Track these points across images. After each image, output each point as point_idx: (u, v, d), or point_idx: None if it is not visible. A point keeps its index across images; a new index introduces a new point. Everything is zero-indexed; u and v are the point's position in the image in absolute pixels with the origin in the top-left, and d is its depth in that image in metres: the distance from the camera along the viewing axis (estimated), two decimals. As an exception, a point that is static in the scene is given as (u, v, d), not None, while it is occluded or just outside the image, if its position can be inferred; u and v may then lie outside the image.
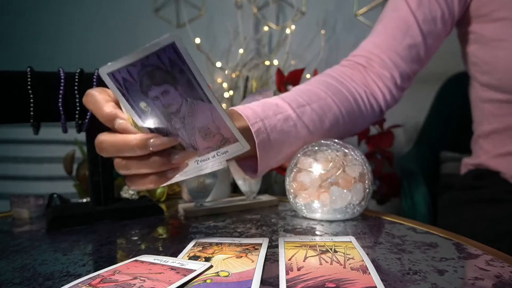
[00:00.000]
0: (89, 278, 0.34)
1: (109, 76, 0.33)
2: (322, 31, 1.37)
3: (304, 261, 0.37)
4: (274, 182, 1.32)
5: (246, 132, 0.47)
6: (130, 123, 0.37)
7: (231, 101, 1.29)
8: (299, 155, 0.55)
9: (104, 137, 0.37)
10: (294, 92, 0.57)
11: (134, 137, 0.36)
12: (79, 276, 0.35)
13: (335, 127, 0.58)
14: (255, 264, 0.36)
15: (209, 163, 0.40)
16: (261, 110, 0.50)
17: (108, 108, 0.37)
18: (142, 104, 0.35)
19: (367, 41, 0.67)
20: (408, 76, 0.66)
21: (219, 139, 0.38)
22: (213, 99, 0.35)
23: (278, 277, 0.34)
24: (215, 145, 0.39)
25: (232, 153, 0.40)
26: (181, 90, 0.34)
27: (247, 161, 0.53)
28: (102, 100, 0.37)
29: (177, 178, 0.40)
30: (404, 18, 0.64)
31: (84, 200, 0.66)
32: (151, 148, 0.36)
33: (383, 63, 0.64)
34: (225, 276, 0.33)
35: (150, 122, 0.37)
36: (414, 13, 0.63)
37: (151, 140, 0.36)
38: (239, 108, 0.49)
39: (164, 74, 0.33)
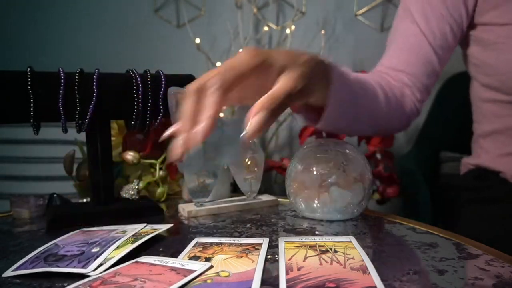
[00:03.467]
0: (89, 280, 0.34)
1: None
2: (322, 31, 1.37)
3: (304, 261, 0.37)
4: (274, 182, 1.32)
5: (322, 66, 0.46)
6: None
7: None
8: (299, 155, 0.55)
9: None
10: None
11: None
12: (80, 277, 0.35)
13: (381, 116, 0.61)
14: (255, 264, 0.36)
15: None
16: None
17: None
18: None
19: (382, 62, 0.69)
20: (426, 89, 0.69)
21: None
22: None
23: (278, 277, 0.34)
24: None
25: None
26: None
27: (311, 113, 0.52)
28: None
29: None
30: (415, 40, 0.66)
31: (84, 200, 0.66)
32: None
33: (402, 81, 0.66)
34: (225, 276, 0.33)
35: None
36: (424, 33, 0.66)
37: None
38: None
39: None
